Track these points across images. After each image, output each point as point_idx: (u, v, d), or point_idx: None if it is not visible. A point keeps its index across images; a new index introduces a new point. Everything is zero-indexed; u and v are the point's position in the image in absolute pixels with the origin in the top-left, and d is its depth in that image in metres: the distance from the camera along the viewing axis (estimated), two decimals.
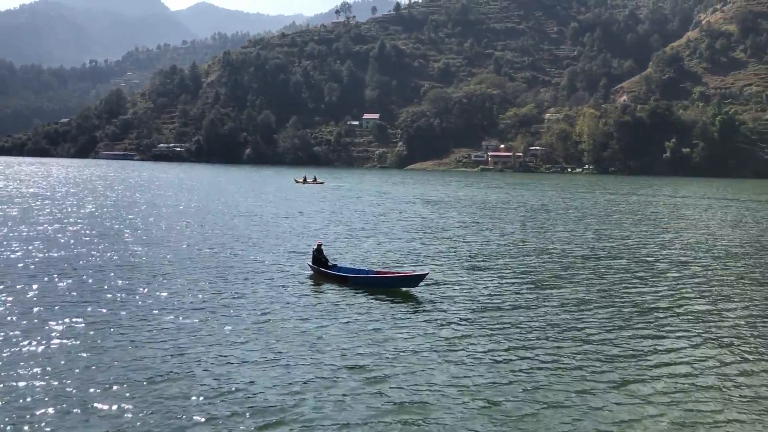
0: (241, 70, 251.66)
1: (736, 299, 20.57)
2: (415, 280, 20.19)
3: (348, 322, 16.63)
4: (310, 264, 22.89)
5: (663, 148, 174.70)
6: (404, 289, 20.24)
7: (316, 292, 20.36)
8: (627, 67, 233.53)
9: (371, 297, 19.53)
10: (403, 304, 18.66)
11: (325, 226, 37.41)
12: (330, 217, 42.91)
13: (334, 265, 22.52)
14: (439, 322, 16.75)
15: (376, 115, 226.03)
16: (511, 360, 13.89)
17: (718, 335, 16.28)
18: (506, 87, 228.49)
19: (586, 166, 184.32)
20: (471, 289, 20.80)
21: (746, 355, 14.72)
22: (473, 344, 14.85)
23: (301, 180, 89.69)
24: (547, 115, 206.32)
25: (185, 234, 32.71)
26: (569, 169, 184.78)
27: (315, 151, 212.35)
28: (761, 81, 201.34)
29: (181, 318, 16.50)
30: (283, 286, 20.71)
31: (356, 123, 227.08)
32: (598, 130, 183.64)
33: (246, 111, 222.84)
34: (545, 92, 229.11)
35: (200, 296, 18.95)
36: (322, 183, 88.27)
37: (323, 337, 15.24)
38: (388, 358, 13.81)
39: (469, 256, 27.35)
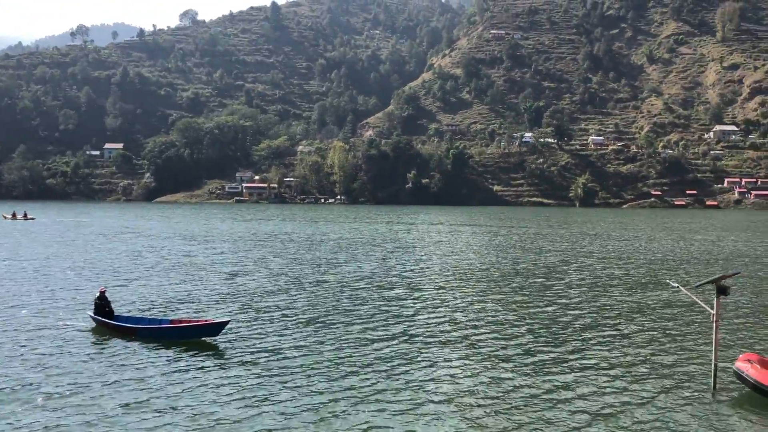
0: None
1: (491, 314, 22.24)
2: (215, 328, 18.04)
3: (133, 383, 14.39)
4: (92, 315, 19.74)
5: (406, 179, 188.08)
6: (204, 339, 18.03)
7: (96, 348, 17.51)
8: (372, 104, 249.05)
9: (164, 351, 17.17)
10: (199, 358, 16.59)
11: (69, 270, 33.38)
12: (80, 259, 38.48)
13: (120, 315, 19.74)
14: (239, 373, 15.27)
15: (120, 145, 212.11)
16: (304, 403, 13.30)
17: (485, 352, 17.34)
18: (258, 119, 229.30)
19: (338, 197, 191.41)
20: (265, 331, 19.46)
21: (513, 367, 15.83)
22: (281, 393, 13.91)
23: (10, 216, 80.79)
24: (300, 148, 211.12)
25: None
26: (322, 200, 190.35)
27: (48, 183, 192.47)
28: (484, 119, 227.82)
29: None
30: (56, 343, 17.58)
31: (97, 153, 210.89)
32: (348, 163, 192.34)
33: None
34: (297, 125, 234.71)
35: None
36: (33, 219, 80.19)
37: (101, 404, 13.03)
38: (180, 423, 12.24)
39: (251, 295, 26.10)
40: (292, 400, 13.36)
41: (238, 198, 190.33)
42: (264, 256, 40.91)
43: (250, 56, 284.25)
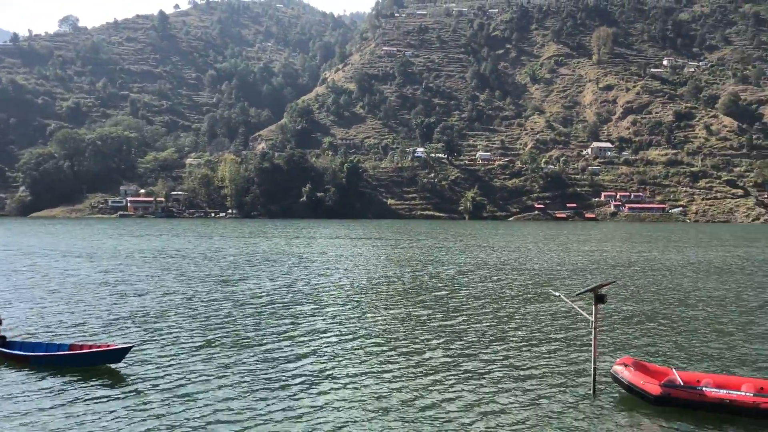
0: None
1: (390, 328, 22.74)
2: (118, 354, 16.77)
3: (28, 417, 13.28)
4: None
5: (300, 193, 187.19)
6: (107, 366, 16.86)
7: None
8: (264, 117, 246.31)
9: (61, 381, 15.86)
10: (101, 386, 15.50)
11: None
12: None
13: (13, 342, 18.12)
14: (144, 401, 14.45)
15: None
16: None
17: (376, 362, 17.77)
18: (144, 130, 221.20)
19: (230, 211, 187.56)
20: (168, 355, 18.48)
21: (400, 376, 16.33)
22: (188, 421, 13.38)
23: None
24: (189, 160, 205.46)
25: None
26: (213, 214, 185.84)
27: None
28: (377, 134, 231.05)
29: None
30: None
31: None
32: (240, 176, 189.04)
33: None
34: (185, 137, 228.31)
35: None
36: None
37: None
38: None
39: (147, 317, 24.73)
40: (199, 428, 13.08)
41: (122, 212, 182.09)
42: (156, 274, 39.43)
43: (135, 65, 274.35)
